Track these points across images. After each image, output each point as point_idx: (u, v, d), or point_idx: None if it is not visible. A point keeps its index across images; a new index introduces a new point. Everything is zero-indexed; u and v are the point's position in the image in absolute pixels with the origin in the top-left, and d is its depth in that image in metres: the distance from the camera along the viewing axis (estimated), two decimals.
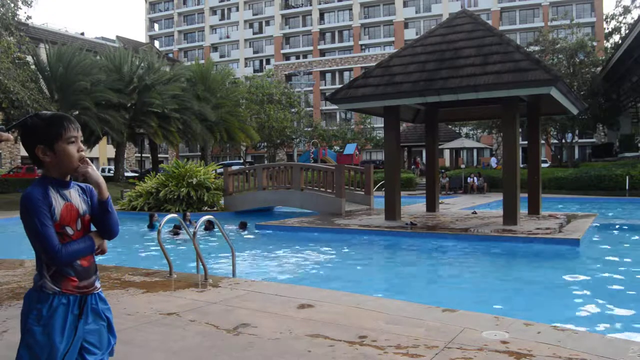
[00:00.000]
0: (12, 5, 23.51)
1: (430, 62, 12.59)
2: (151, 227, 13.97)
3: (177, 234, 12.68)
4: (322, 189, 16.99)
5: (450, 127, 40.29)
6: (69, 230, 2.12)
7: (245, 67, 78.99)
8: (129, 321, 4.50)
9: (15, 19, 23.94)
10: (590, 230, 11.90)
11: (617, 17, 42.42)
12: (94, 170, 2.15)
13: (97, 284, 2.26)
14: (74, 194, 2.19)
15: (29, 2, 23.95)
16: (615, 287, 7.25)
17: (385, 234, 11.90)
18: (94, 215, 2.22)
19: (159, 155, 42.87)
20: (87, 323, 2.18)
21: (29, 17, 25.59)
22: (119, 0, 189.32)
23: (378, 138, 53.97)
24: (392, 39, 71.52)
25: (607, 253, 10.10)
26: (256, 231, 13.48)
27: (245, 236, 12.98)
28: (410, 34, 67.82)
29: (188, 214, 14.12)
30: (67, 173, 2.16)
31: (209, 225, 13.04)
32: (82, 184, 2.24)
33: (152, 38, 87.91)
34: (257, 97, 49.81)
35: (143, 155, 40.94)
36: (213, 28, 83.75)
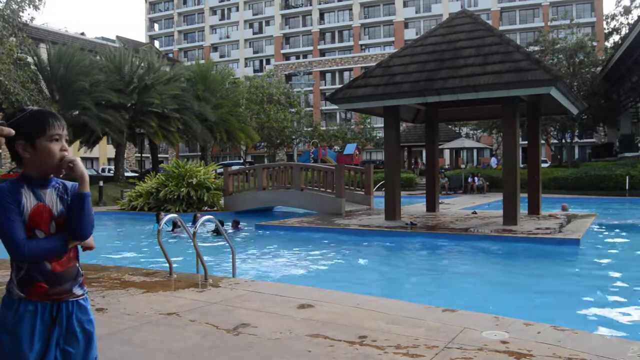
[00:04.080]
0: (18, 7, 23.50)
1: (430, 62, 12.59)
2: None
3: (175, 225, 12.97)
4: (322, 189, 16.99)
5: (450, 127, 40.27)
6: (39, 234, 1.99)
7: (245, 67, 78.96)
8: (129, 321, 4.50)
9: (19, 20, 23.95)
10: (590, 230, 11.89)
11: (617, 17, 42.45)
12: (80, 163, 2.04)
13: (77, 291, 2.09)
14: (51, 194, 2.05)
15: (37, 5, 23.93)
16: (615, 287, 7.25)
17: (385, 234, 11.90)
18: (69, 212, 2.06)
19: (159, 155, 42.80)
20: (62, 333, 2.03)
21: (32, 19, 25.58)
22: (119, 0, 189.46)
23: (378, 138, 53.94)
24: (392, 39, 71.50)
25: (607, 253, 10.10)
26: (256, 231, 13.49)
27: (245, 236, 12.99)
28: (410, 34, 67.79)
29: (198, 214, 14.19)
30: (46, 171, 2.03)
31: (235, 225, 13.64)
32: (68, 182, 2.11)
33: (152, 38, 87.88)
34: (257, 97, 49.81)
35: (143, 155, 40.91)
36: (213, 28, 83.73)
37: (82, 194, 2.03)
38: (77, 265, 2.13)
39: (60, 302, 2.04)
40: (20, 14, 23.85)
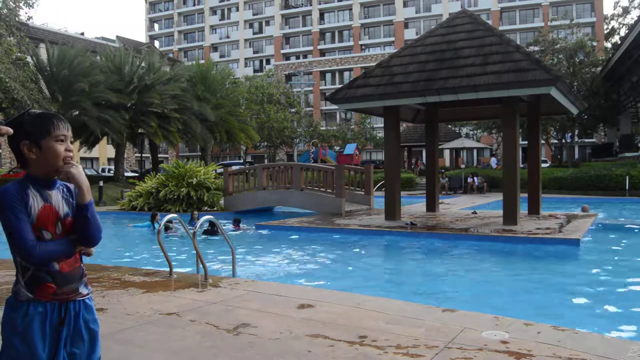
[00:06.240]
0: (14, 6, 23.56)
1: (430, 62, 12.59)
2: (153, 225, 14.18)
3: (167, 228, 12.91)
4: (322, 189, 16.98)
5: (450, 127, 40.26)
6: (46, 234, 1.99)
7: (245, 67, 78.98)
8: (129, 321, 4.50)
9: (17, 19, 23.98)
10: (590, 230, 11.89)
11: (617, 18, 42.45)
12: (77, 170, 2.02)
13: (83, 290, 2.11)
14: (56, 195, 2.06)
15: (31, 4, 24.01)
16: (615, 287, 7.25)
17: (385, 234, 11.90)
18: (76, 219, 2.07)
19: (159, 155, 42.79)
20: (69, 333, 2.05)
21: (29, 18, 25.64)
22: (119, 0, 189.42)
23: (378, 138, 53.94)
24: (392, 39, 71.51)
25: (607, 253, 10.10)
26: (256, 231, 13.48)
27: (245, 236, 12.98)
28: (410, 34, 67.81)
29: (195, 213, 14.33)
30: (51, 172, 2.03)
31: (236, 224, 13.74)
32: (70, 185, 2.11)
33: (152, 38, 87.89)
34: (257, 97, 49.82)
35: (143, 155, 40.93)
36: (213, 28, 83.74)
37: (82, 205, 2.04)
38: (82, 265, 2.15)
39: (67, 301, 2.06)
40: (18, 13, 23.89)
